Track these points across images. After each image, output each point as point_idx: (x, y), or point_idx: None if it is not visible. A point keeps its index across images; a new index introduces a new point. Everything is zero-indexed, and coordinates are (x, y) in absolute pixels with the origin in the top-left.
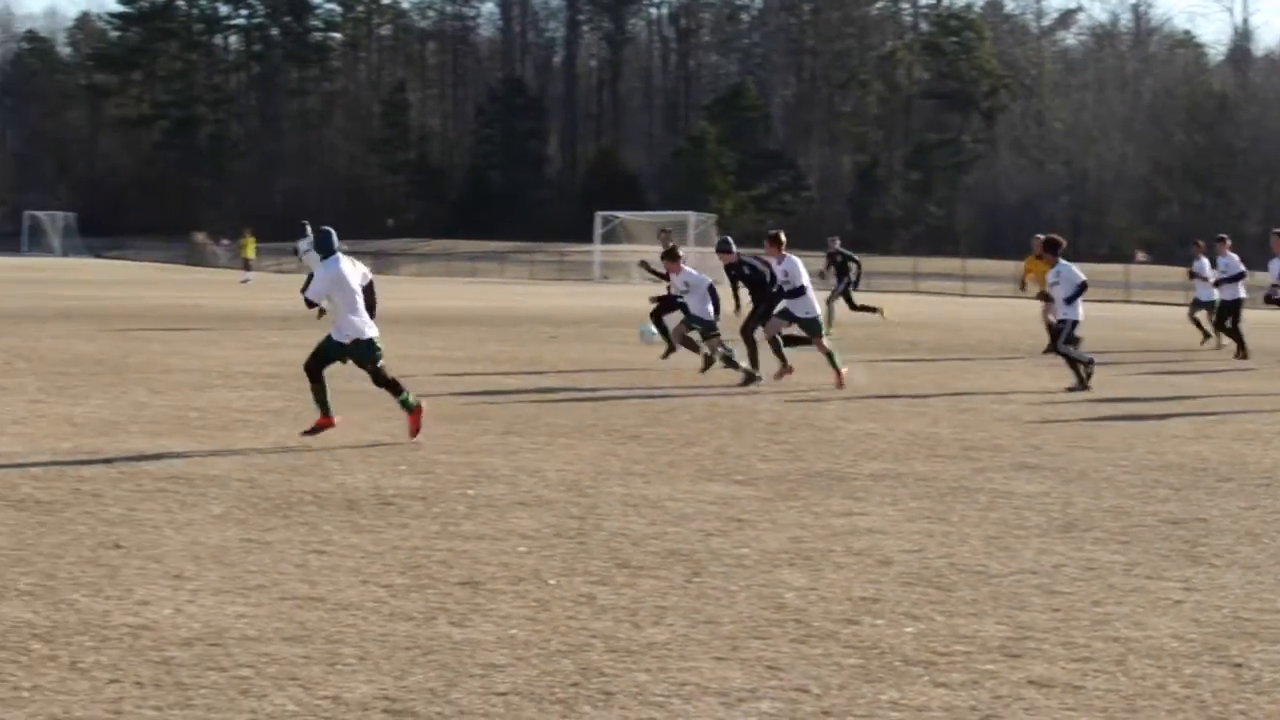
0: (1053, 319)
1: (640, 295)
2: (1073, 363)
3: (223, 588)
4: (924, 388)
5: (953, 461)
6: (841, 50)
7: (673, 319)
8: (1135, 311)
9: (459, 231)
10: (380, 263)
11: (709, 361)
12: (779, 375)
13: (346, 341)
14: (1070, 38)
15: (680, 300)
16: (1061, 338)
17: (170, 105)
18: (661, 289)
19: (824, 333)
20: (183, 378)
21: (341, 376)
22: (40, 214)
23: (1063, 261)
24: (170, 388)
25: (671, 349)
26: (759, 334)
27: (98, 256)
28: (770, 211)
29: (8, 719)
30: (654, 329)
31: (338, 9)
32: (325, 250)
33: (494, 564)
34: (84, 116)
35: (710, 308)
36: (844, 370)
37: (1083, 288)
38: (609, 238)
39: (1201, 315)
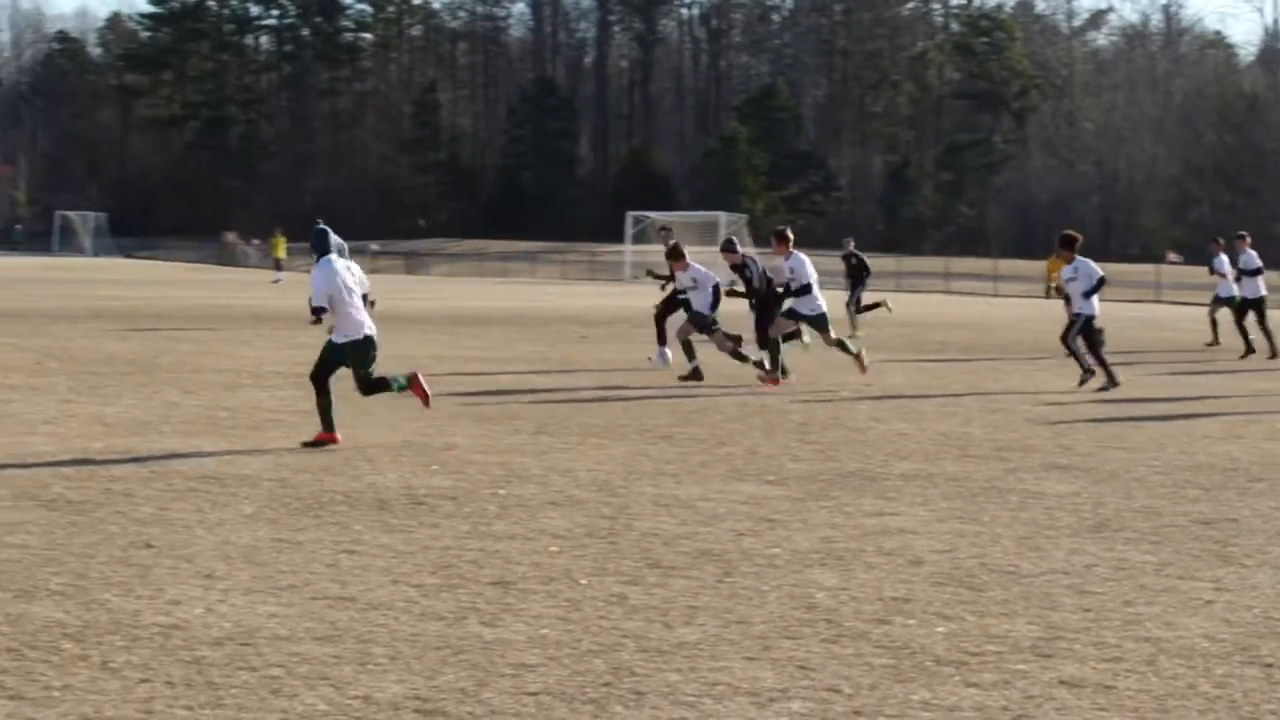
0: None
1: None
2: (1078, 358)
3: (254, 587)
4: (955, 388)
5: (984, 462)
6: (873, 51)
7: (674, 323)
8: (1166, 312)
9: (490, 231)
10: (411, 263)
11: (696, 373)
12: (765, 380)
13: (348, 342)
14: (1101, 38)
15: (683, 297)
16: (1073, 331)
17: (201, 105)
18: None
19: (850, 335)
20: (214, 377)
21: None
22: (71, 214)
23: (1080, 257)
24: (201, 387)
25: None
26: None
27: (128, 257)
28: (801, 212)
29: (39, 718)
30: (666, 355)
31: (369, 9)
32: (320, 250)
33: (525, 564)
34: (115, 117)
35: (711, 304)
36: (862, 354)
37: (1101, 283)
38: (640, 238)
39: (1221, 314)
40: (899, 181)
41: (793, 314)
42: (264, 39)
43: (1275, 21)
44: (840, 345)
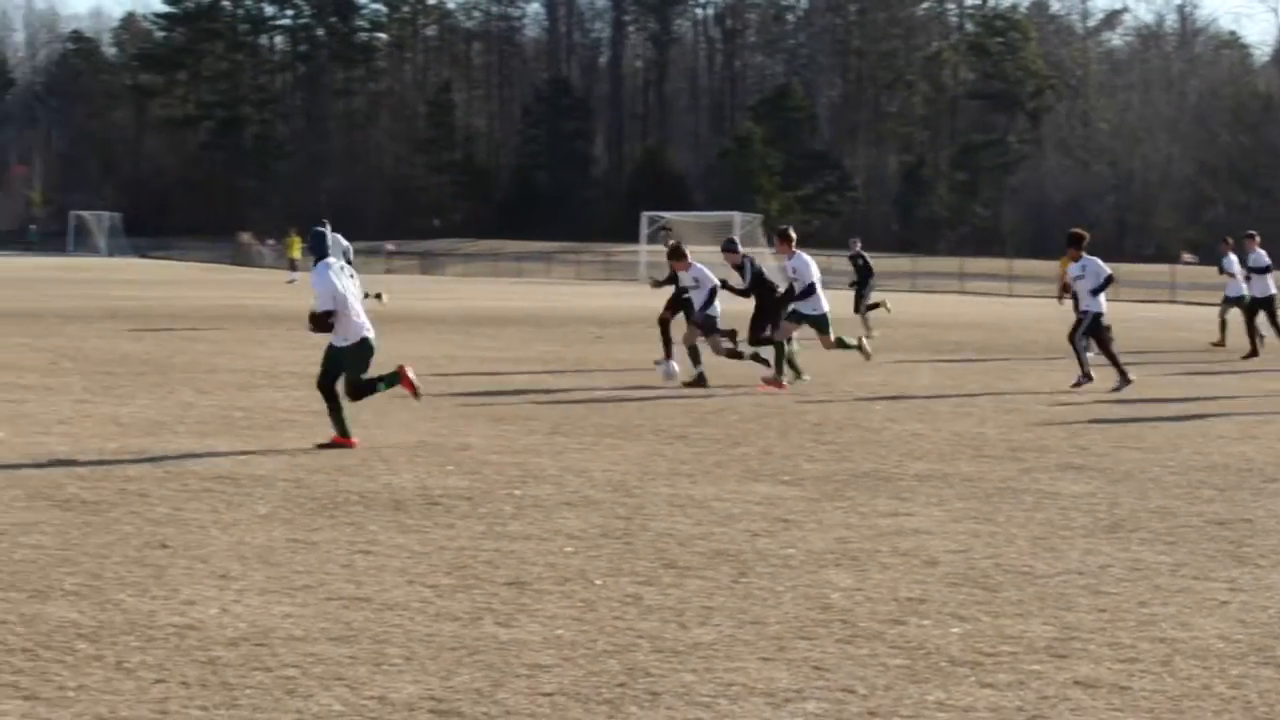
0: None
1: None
2: (1079, 359)
3: (269, 588)
4: (970, 388)
5: (999, 462)
6: (887, 51)
7: (677, 326)
8: (1181, 312)
9: (505, 232)
10: (426, 263)
11: (701, 380)
12: (769, 382)
13: (348, 345)
14: (1116, 38)
15: (686, 296)
16: (1080, 329)
17: (216, 105)
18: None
19: (866, 335)
20: (228, 378)
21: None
22: (86, 214)
23: (1087, 255)
24: (216, 388)
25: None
26: (776, 335)
27: (143, 256)
28: (816, 212)
29: (54, 718)
30: (672, 367)
31: (383, 9)
32: (318, 253)
33: (540, 564)
34: (129, 117)
35: (705, 302)
36: (864, 342)
37: (1109, 281)
38: (655, 238)
39: (1232, 314)
40: (914, 181)
41: (796, 316)
42: (279, 39)
43: None
44: (840, 344)
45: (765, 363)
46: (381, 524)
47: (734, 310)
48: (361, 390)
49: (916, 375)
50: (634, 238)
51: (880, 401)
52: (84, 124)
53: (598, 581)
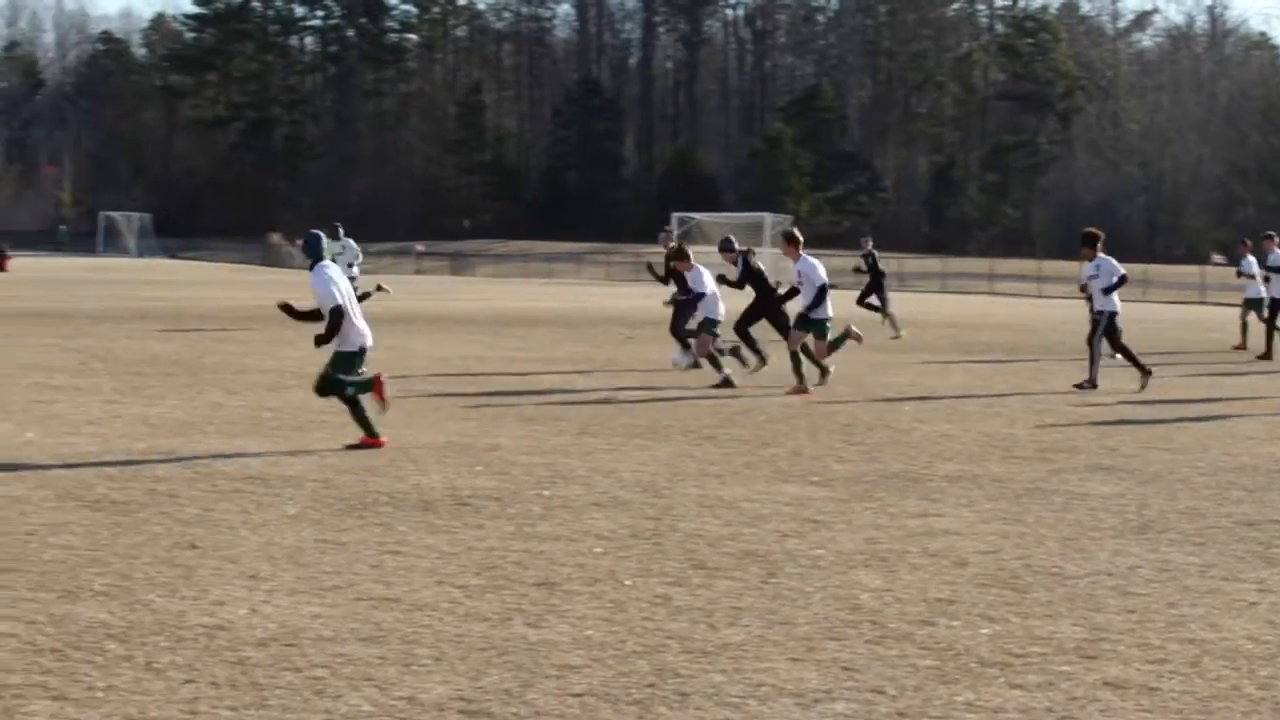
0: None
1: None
2: (1091, 361)
3: (298, 588)
4: (999, 389)
5: (1028, 463)
6: (917, 52)
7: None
8: (1210, 313)
9: (535, 232)
10: (456, 264)
11: (728, 381)
12: (793, 391)
13: (356, 350)
14: (1146, 39)
15: (683, 298)
16: (1098, 332)
17: (246, 106)
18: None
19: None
20: (258, 378)
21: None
22: (116, 215)
23: (1102, 255)
24: (245, 388)
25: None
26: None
27: (173, 257)
28: (846, 213)
29: (83, 719)
30: (683, 356)
31: (413, 10)
32: (315, 256)
33: (570, 565)
34: (159, 118)
35: (716, 308)
36: (807, 386)
37: (1122, 280)
38: (685, 239)
39: (1252, 316)
40: (944, 182)
41: (806, 323)
42: (309, 40)
43: None
44: (833, 347)
45: (742, 360)
46: (411, 524)
47: (735, 309)
48: (330, 389)
49: (939, 375)
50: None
51: (909, 402)
52: (114, 125)
53: (627, 582)
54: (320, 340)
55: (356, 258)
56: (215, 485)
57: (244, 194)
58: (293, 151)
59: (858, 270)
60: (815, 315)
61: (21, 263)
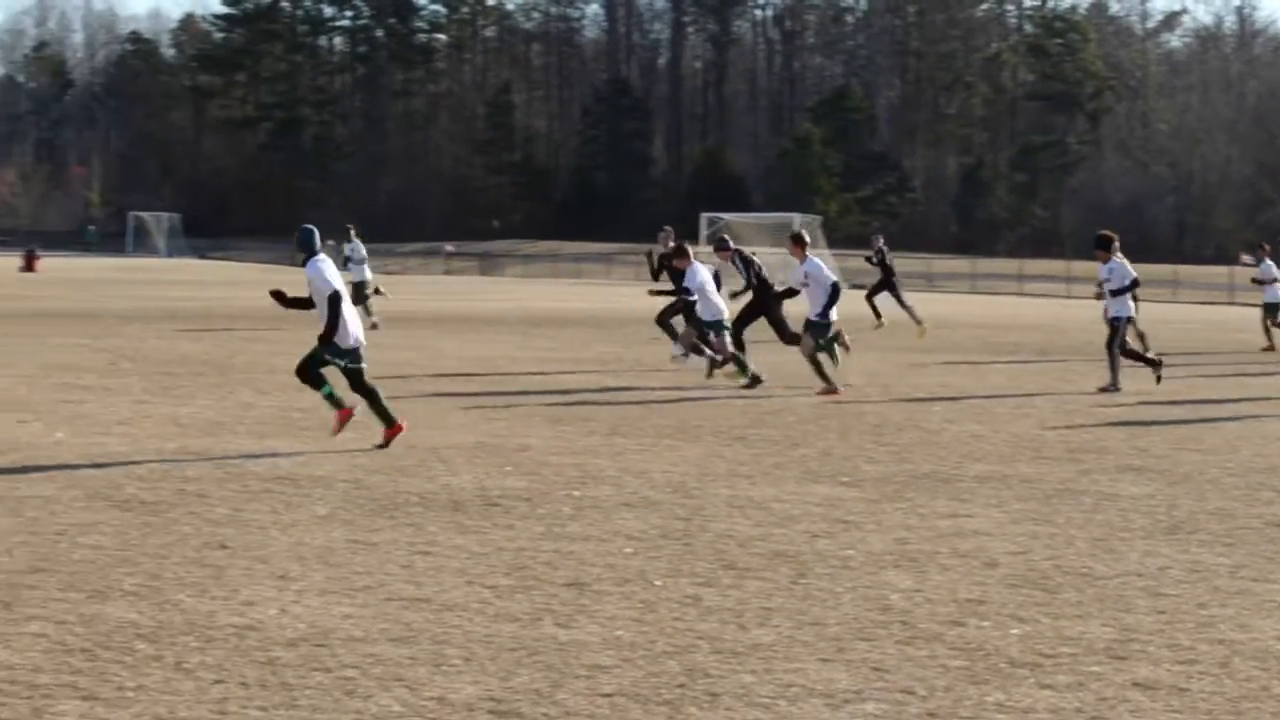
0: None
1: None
2: (1113, 367)
3: (328, 588)
4: (1029, 389)
5: (1058, 463)
6: (946, 52)
7: (678, 322)
8: (1239, 314)
9: (564, 232)
10: (486, 264)
11: (755, 380)
12: (822, 392)
13: (345, 347)
14: (1174, 40)
15: (691, 298)
16: (1117, 338)
17: (274, 107)
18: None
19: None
20: (287, 378)
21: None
22: (145, 215)
23: (1116, 259)
24: (275, 388)
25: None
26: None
27: (202, 257)
28: (875, 213)
29: (113, 719)
30: (678, 347)
31: (442, 10)
32: (309, 250)
33: (600, 565)
34: (188, 118)
35: (718, 306)
36: (837, 387)
37: (1134, 284)
38: (714, 239)
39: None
40: (973, 183)
41: (814, 326)
42: (338, 40)
43: None
44: (823, 347)
45: (715, 364)
46: (440, 525)
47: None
48: (308, 375)
49: (966, 376)
50: (693, 238)
51: (939, 403)
52: (142, 125)
53: (657, 583)
54: (324, 338)
55: (364, 261)
56: (245, 485)
57: (273, 194)
58: (321, 152)
59: (869, 260)
60: (824, 320)
61: (50, 263)
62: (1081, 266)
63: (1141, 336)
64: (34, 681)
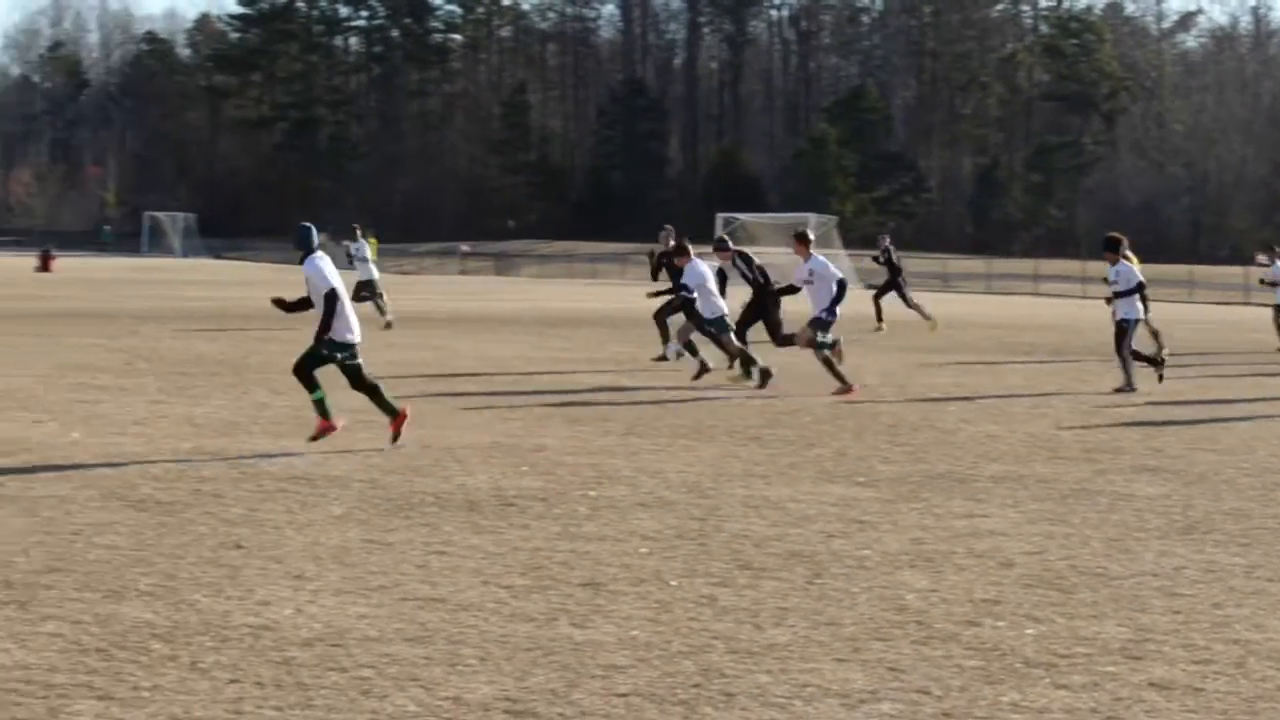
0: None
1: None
2: (1126, 369)
3: (344, 588)
4: (1044, 389)
5: (1074, 464)
6: (962, 52)
7: (675, 322)
8: (1254, 314)
9: (580, 232)
10: (501, 264)
11: (766, 376)
12: (838, 392)
13: (343, 342)
14: (1190, 40)
15: (690, 295)
16: (1127, 340)
17: (290, 107)
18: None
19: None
20: None
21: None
22: (160, 215)
23: (1123, 261)
24: (291, 388)
25: (704, 369)
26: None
27: (217, 257)
28: (891, 213)
29: (128, 718)
30: (678, 346)
31: (458, 11)
32: (306, 247)
33: (615, 565)
34: (203, 118)
35: (718, 304)
36: (852, 385)
37: (1140, 287)
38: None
39: None
40: (988, 183)
41: (819, 323)
42: (353, 40)
43: None
44: (821, 346)
45: (704, 368)
46: (456, 525)
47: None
48: (304, 373)
49: (982, 376)
50: (709, 239)
51: (954, 403)
52: (158, 125)
53: (673, 582)
54: (320, 333)
55: (367, 260)
56: (260, 485)
57: (288, 194)
58: (337, 152)
59: (876, 260)
60: (830, 317)
61: (66, 263)
62: (1096, 267)
63: (1156, 335)
64: (50, 681)
